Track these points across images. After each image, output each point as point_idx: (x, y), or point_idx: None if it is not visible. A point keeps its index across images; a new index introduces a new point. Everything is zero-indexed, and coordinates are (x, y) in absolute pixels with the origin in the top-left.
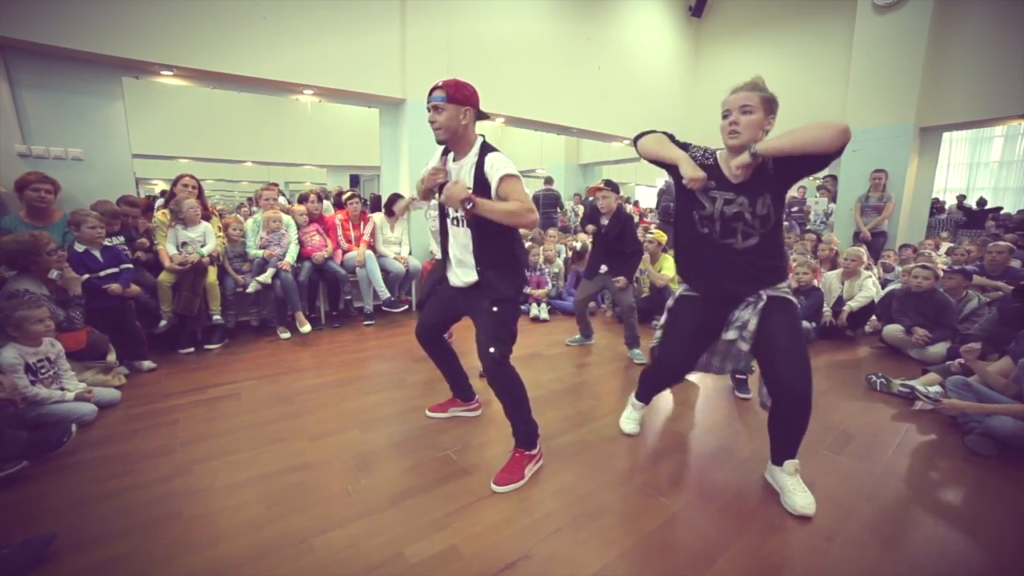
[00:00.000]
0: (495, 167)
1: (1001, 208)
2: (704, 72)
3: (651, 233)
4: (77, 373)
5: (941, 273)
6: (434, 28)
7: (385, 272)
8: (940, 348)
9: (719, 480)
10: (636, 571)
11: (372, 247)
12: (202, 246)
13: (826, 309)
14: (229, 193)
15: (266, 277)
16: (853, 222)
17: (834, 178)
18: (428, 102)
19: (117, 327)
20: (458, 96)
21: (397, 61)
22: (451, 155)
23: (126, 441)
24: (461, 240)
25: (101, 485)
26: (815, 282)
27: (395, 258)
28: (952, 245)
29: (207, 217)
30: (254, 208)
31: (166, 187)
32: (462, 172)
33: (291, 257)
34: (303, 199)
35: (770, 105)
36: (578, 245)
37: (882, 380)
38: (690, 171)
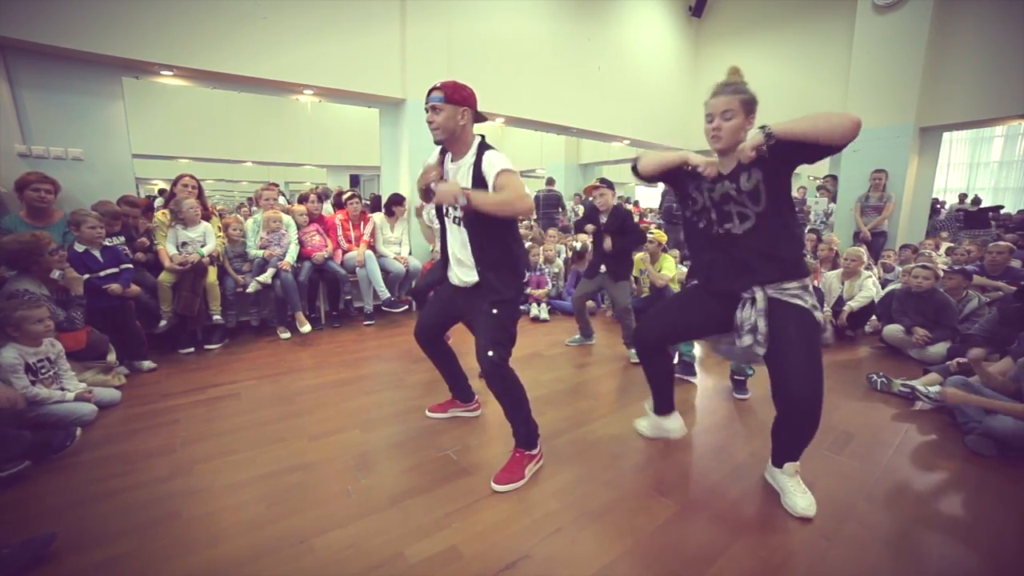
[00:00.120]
0: (492, 164)
1: (1002, 207)
2: (704, 72)
3: (651, 233)
4: (77, 373)
5: (941, 273)
6: (434, 28)
7: (385, 272)
8: (940, 348)
9: (719, 480)
10: (636, 571)
11: (372, 247)
12: (202, 246)
13: (826, 309)
14: (229, 193)
15: (266, 277)
16: (853, 222)
17: (834, 178)
18: (426, 103)
19: (117, 327)
20: (456, 97)
21: (397, 61)
22: (449, 155)
23: (126, 441)
24: (459, 239)
25: (101, 485)
26: (815, 282)
27: (395, 258)
28: (952, 245)
29: (207, 217)
30: (254, 208)
31: (165, 186)
32: (460, 172)
33: (291, 257)
34: (303, 199)
35: (750, 106)
36: (578, 245)
37: (883, 380)
38: (696, 158)
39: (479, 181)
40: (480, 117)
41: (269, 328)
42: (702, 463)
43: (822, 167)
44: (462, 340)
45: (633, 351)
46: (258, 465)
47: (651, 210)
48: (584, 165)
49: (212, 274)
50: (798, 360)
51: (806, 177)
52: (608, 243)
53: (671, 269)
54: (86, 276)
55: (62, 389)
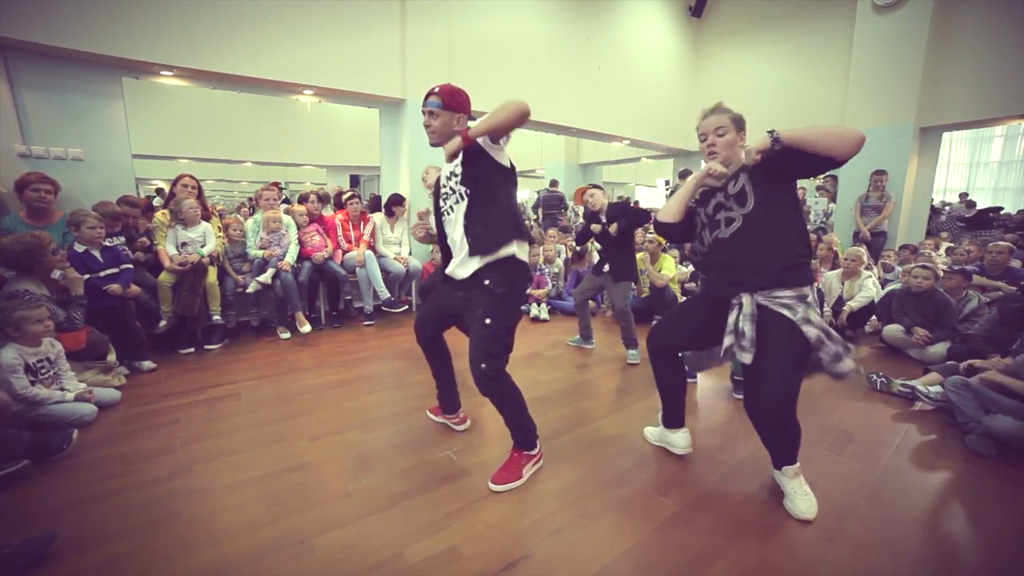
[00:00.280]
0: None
1: (1002, 208)
2: (704, 72)
3: (651, 233)
4: (77, 373)
5: (941, 273)
6: (434, 28)
7: (385, 272)
8: (940, 348)
9: (719, 480)
10: (636, 571)
11: (372, 247)
12: (202, 246)
13: (826, 309)
14: (229, 193)
15: (266, 277)
16: (853, 222)
17: (834, 178)
18: (424, 106)
19: (117, 327)
20: (452, 104)
21: (397, 61)
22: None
23: (126, 441)
24: (455, 222)
25: (101, 485)
26: (816, 283)
27: (395, 258)
28: (952, 245)
29: (207, 217)
30: (255, 207)
31: (163, 186)
32: (455, 166)
33: (291, 257)
34: (303, 199)
35: (740, 123)
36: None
37: (883, 380)
38: (698, 171)
39: (472, 147)
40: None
41: (269, 328)
42: (702, 463)
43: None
44: (463, 339)
45: (632, 352)
46: (258, 465)
47: (654, 210)
48: (584, 165)
49: (212, 274)
50: (768, 372)
51: (799, 178)
52: (614, 228)
53: (671, 269)
54: (86, 276)
55: (62, 389)
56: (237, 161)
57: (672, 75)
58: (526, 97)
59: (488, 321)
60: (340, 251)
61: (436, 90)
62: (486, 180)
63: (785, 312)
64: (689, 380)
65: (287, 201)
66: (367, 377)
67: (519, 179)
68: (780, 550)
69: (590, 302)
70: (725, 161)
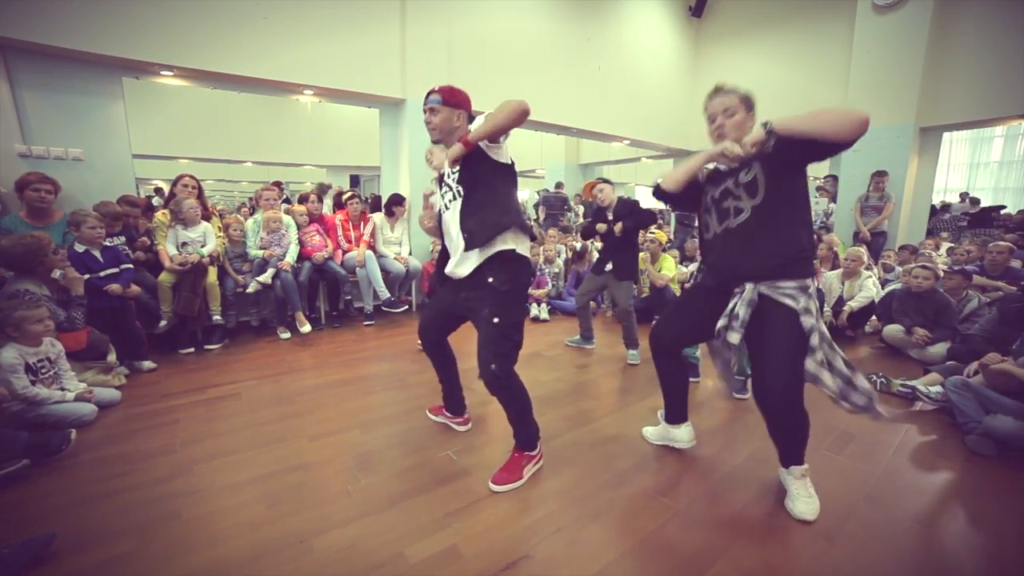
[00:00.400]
0: (476, 122)
1: (1004, 207)
2: (704, 72)
3: (651, 233)
4: (77, 373)
5: (941, 273)
6: (434, 28)
7: (385, 272)
8: (940, 348)
9: (719, 480)
10: (636, 571)
11: (372, 247)
12: (202, 246)
13: (826, 309)
14: (229, 193)
15: (266, 277)
16: (853, 222)
17: (834, 178)
18: (425, 104)
19: (117, 327)
20: (452, 101)
21: (397, 61)
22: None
23: (126, 441)
24: (452, 219)
25: (101, 485)
26: (816, 283)
27: (395, 258)
28: (952, 245)
29: (207, 217)
30: (255, 206)
31: (161, 185)
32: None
33: (291, 257)
34: (303, 199)
35: (749, 102)
36: (578, 245)
37: (882, 380)
38: (714, 148)
39: (470, 157)
40: (474, 120)
41: (269, 328)
42: (702, 463)
43: (822, 167)
44: (465, 339)
45: (632, 352)
46: (258, 465)
47: (657, 211)
48: (584, 165)
49: (212, 274)
50: (772, 360)
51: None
52: (619, 227)
53: (671, 269)
54: (86, 276)
55: (62, 389)
56: (237, 161)
57: (672, 75)
58: (526, 97)
59: (496, 320)
60: (340, 251)
61: (436, 88)
62: (484, 179)
63: (788, 302)
64: (692, 379)
65: (287, 200)
66: (367, 377)
67: (519, 179)
68: (780, 550)
69: (590, 302)
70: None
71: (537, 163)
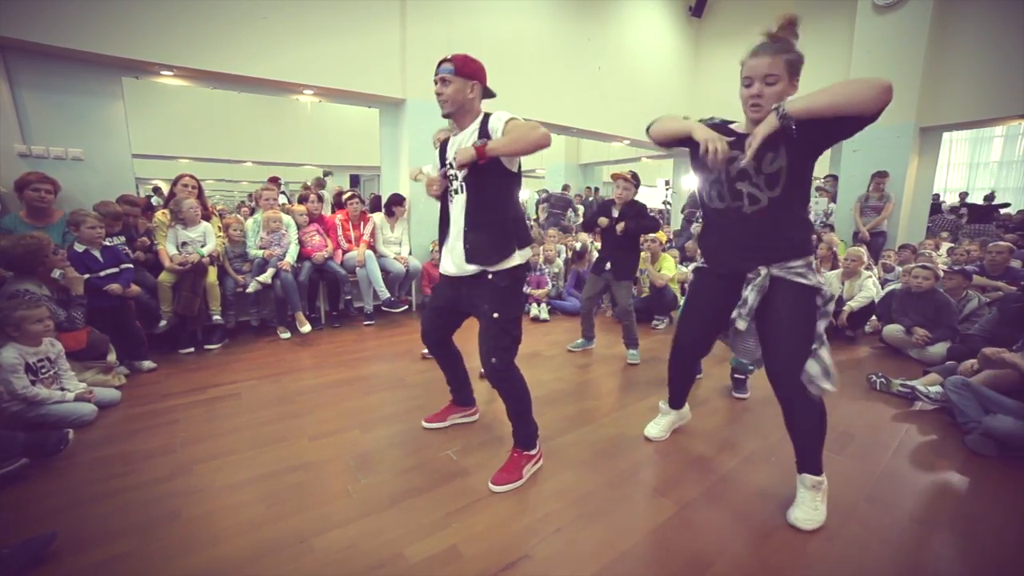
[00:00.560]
0: (498, 118)
1: (1008, 204)
2: (704, 72)
3: (651, 233)
4: (77, 373)
5: (941, 273)
6: (434, 28)
7: (385, 272)
8: (940, 348)
9: (719, 480)
10: (636, 571)
11: (372, 247)
12: (202, 246)
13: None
14: (229, 193)
15: (266, 277)
16: (853, 222)
17: (834, 178)
18: (436, 74)
19: (117, 327)
20: (466, 70)
21: (397, 61)
22: (454, 130)
23: (126, 441)
24: (456, 212)
25: (101, 485)
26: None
27: (395, 258)
28: (952, 245)
29: (207, 217)
30: (255, 206)
31: (160, 184)
32: (462, 140)
33: (291, 257)
34: (303, 199)
35: (795, 67)
36: (578, 245)
37: (882, 380)
38: (702, 132)
39: (485, 138)
40: (489, 93)
41: (269, 328)
42: (702, 463)
43: (822, 167)
44: (468, 338)
45: (632, 352)
46: (258, 465)
47: (656, 210)
48: (584, 165)
49: (212, 274)
50: (787, 339)
51: (835, 143)
52: (621, 227)
53: (671, 269)
54: (86, 276)
55: (62, 389)
56: (237, 161)
57: (672, 75)
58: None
59: (496, 315)
60: (340, 251)
61: (449, 57)
62: (491, 184)
63: (800, 280)
64: (696, 375)
65: (283, 193)
66: (367, 377)
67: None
68: (780, 550)
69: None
70: (766, 116)
71: (537, 163)
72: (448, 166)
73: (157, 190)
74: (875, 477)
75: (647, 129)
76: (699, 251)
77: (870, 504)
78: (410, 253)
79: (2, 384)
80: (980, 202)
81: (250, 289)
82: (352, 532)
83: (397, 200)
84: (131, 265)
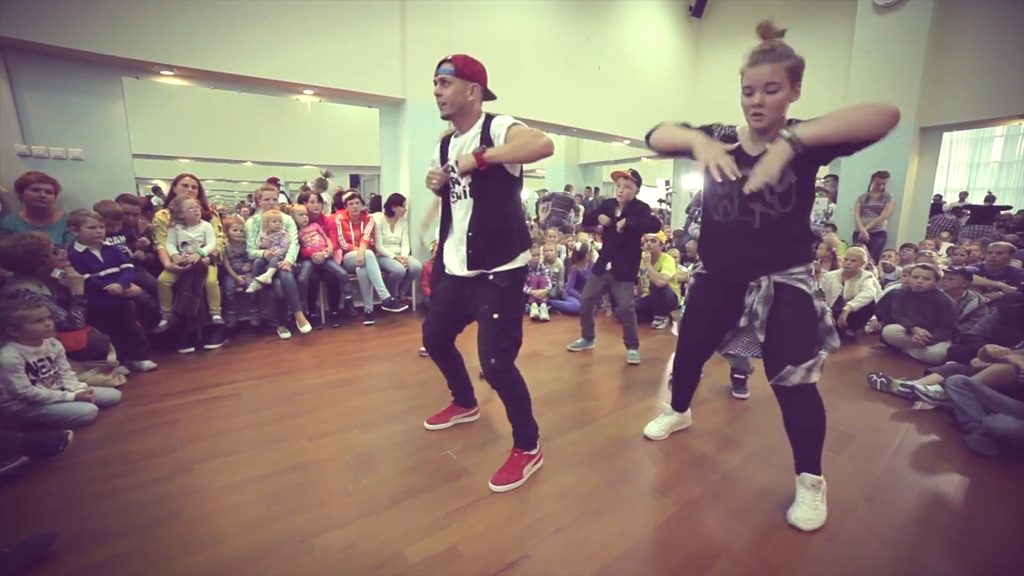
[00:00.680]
0: (500, 123)
1: (1010, 207)
2: (704, 72)
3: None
4: (77, 373)
5: (941, 273)
6: (434, 28)
7: (385, 272)
8: (940, 348)
9: (719, 480)
10: (636, 571)
11: (372, 247)
12: (202, 246)
13: (827, 308)
14: (229, 193)
15: (266, 277)
16: (853, 222)
17: (835, 178)
18: (436, 75)
19: (117, 327)
20: (466, 72)
21: (397, 61)
22: (455, 132)
23: (126, 441)
24: (459, 216)
25: (101, 485)
26: (816, 283)
27: (395, 258)
28: (952, 245)
29: (207, 217)
30: (254, 206)
31: (159, 185)
32: (465, 144)
33: (291, 257)
34: (303, 199)
35: (796, 74)
36: (578, 245)
37: (882, 380)
38: (704, 151)
39: (487, 143)
40: (490, 95)
41: (269, 328)
42: (702, 463)
43: (822, 167)
44: (468, 340)
45: (632, 352)
46: (258, 465)
47: (655, 211)
48: (584, 165)
49: (212, 274)
50: (791, 341)
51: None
52: (621, 223)
53: (671, 269)
54: (86, 276)
55: (62, 389)
56: (237, 161)
57: (672, 75)
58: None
59: (496, 316)
60: (340, 251)
61: (449, 57)
62: (494, 190)
63: (801, 286)
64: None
65: (283, 192)
66: (367, 377)
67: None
68: (780, 550)
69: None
70: (770, 126)
71: (537, 163)
72: (451, 168)
73: (157, 190)
74: (875, 477)
75: (647, 137)
76: (698, 256)
77: (870, 504)
78: (410, 253)
79: (2, 384)
80: (981, 203)
81: (250, 289)
82: (352, 532)
83: (397, 200)
84: (131, 265)
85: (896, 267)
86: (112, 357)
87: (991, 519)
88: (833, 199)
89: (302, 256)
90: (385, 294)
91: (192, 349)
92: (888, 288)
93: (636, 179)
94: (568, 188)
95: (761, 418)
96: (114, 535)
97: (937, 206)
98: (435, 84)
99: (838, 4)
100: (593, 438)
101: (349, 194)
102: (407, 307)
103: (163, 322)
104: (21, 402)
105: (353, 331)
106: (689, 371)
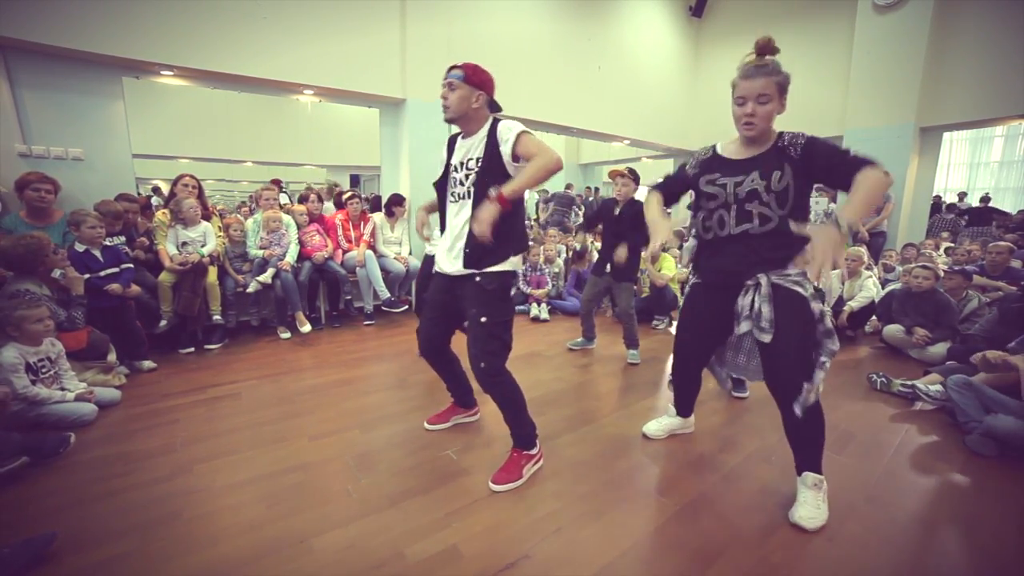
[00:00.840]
0: (508, 128)
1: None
2: (704, 72)
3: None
4: (77, 373)
5: (941, 273)
6: (434, 28)
7: (385, 272)
8: (940, 348)
9: (719, 480)
10: (636, 571)
11: (372, 247)
12: (202, 246)
13: (826, 309)
14: (229, 193)
15: (266, 277)
16: None
17: None
18: (444, 78)
19: (117, 327)
20: (474, 79)
21: (397, 61)
22: (460, 135)
23: (126, 441)
24: (457, 216)
25: (101, 485)
26: (816, 283)
27: (395, 258)
28: (952, 245)
29: (207, 217)
30: (254, 206)
31: (159, 184)
32: (472, 145)
33: (291, 257)
34: (303, 199)
35: (783, 89)
36: (578, 245)
37: (883, 380)
38: (652, 247)
39: (492, 147)
40: (495, 106)
41: (269, 328)
42: (702, 463)
43: None
44: (463, 340)
45: (632, 352)
46: (258, 465)
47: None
48: (584, 165)
49: (212, 274)
50: (788, 345)
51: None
52: (622, 253)
53: (671, 269)
54: (86, 276)
55: (62, 389)
56: (237, 161)
57: (672, 75)
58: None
59: (484, 320)
60: (340, 251)
61: (459, 64)
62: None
63: (798, 289)
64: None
65: (284, 192)
66: (367, 377)
67: None
68: (780, 550)
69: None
70: (760, 135)
71: None
72: (454, 168)
73: (157, 190)
74: (875, 477)
75: (650, 188)
76: (692, 266)
77: (870, 504)
78: (410, 253)
79: (3, 384)
80: (977, 204)
81: (250, 289)
82: (352, 532)
83: (397, 200)
84: (131, 265)
85: (896, 267)
86: (112, 357)
87: (991, 519)
88: (833, 199)
89: (302, 256)
90: (385, 294)
91: (192, 349)
92: (888, 288)
93: (634, 177)
94: (569, 187)
95: (761, 418)
96: (114, 535)
97: (937, 206)
98: (442, 87)
99: (838, 4)
100: (593, 438)
101: (349, 194)
102: (407, 307)
103: (163, 322)
104: (21, 402)
105: (353, 331)
106: (687, 379)
